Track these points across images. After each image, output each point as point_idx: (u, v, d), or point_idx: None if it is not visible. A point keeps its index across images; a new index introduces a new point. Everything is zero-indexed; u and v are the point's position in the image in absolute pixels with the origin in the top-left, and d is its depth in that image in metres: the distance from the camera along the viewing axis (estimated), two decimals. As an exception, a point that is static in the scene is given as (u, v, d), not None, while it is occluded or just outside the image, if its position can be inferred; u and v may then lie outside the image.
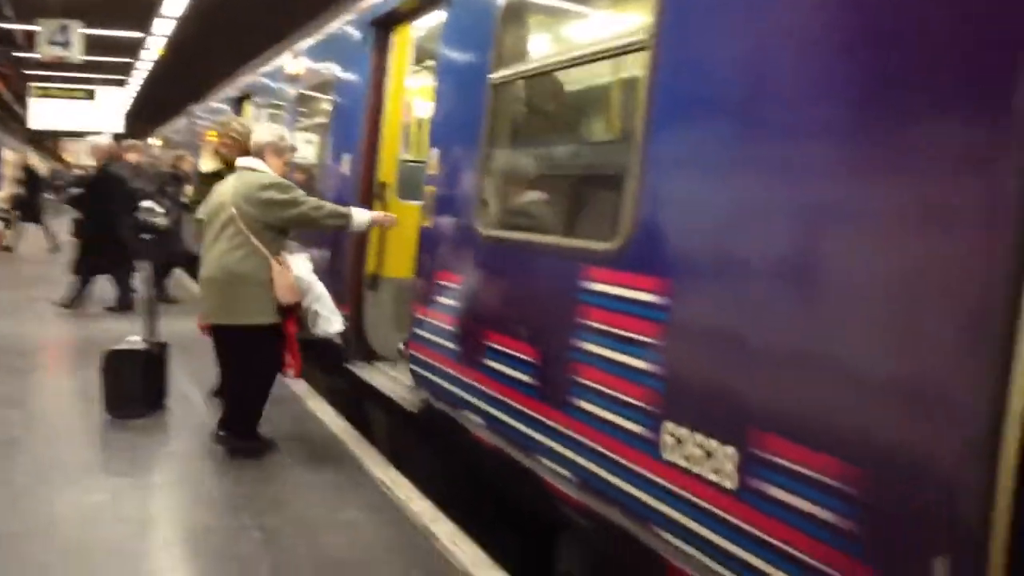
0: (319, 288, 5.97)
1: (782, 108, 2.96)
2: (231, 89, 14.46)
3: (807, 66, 2.88)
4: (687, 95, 3.42)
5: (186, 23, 23.90)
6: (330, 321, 5.99)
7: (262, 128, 6.19)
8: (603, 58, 4.23)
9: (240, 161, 5.96)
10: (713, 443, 3.07)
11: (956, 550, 2.24)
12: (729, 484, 3.00)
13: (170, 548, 4.54)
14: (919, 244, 2.43)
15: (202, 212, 5.98)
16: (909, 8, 2.54)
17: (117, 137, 16.27)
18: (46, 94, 31.58)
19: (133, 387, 6.68)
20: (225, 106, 14.46)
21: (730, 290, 3.09)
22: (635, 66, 3.85)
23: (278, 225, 5.71)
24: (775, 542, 2.81)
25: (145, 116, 41.59)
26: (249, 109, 12.81)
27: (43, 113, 31.59)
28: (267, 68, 11.77)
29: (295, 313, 5.86)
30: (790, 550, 2.75)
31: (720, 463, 3.04)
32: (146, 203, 8.02)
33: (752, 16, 3.15)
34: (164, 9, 22.26)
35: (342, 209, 5.89)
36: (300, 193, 5.75)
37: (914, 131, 2.48)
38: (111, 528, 4.68)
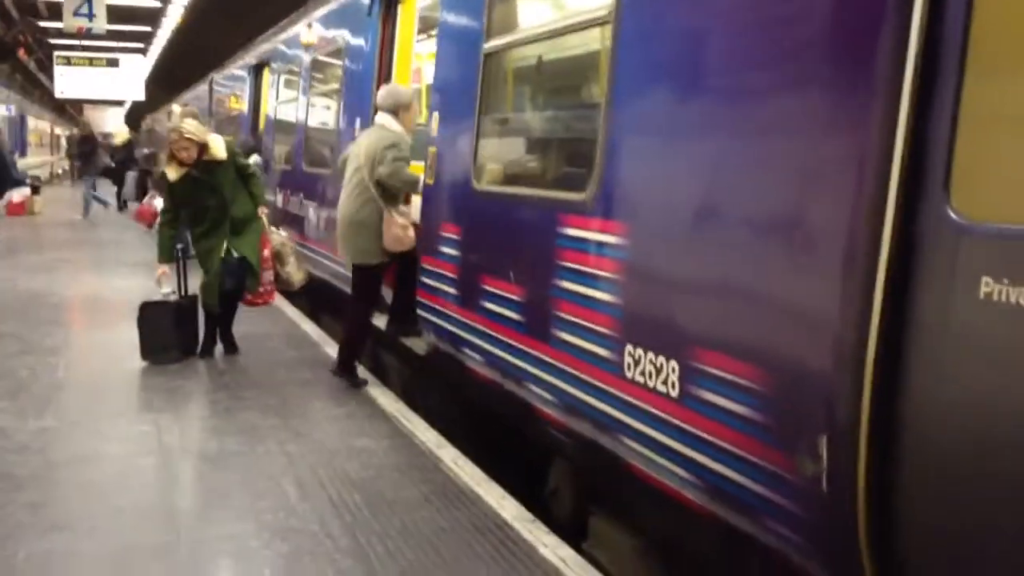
0: None
1: (716, 77, 3.50)
2: (250, 57, 14.99)
3: (733, 41, 3.41)
4: (641, 65, 3.95)
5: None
6: None
7: (392, 88, 6.83)
8: (573, 31, 4.76)
9: (377, 118, 6.70)
10: (661, 360, 3.64)
11: (833, 431, 2.80)
12: (674, 393, 3.57)
13: (204, 466, 5.16)
14: (811, 194, 2.97)
15: (341, 158, 6.96)
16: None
17: (136, 105, 17.73)
18: (70, 63, 32.16)
19: (167, 336, 7.31)
20: (244, 73, 15.01)
21: (672, 232, 3.65)
22: (601, 39, 4.38)
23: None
24: (709, 437, 3.38)
25: (166, 84, 42.18)
26: (267, 75, 13.36)
27: (69, 82, 32.19)
28: (284, 36, 12.30)
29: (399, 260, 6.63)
30: (720, 442, 3.32)
31: (667, 376, 3.60)
32: None
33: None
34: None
35: (416, 177, 6.54)
36: (406, 157, 6.45)
37: (812, 96, 3.02)
38: (155, 453, 5.32)
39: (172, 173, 7.23)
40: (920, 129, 2.58)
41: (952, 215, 2.48)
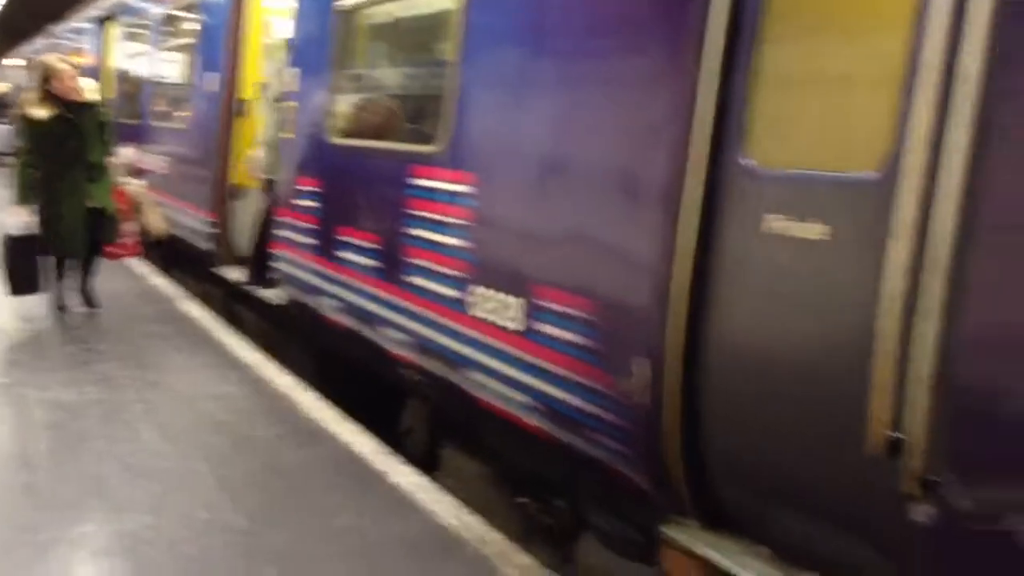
0: None
1: (553, 39, 3.84)
2: (94, 9, 14.52)
3: (568, 7, 3.76)
4: (488, 26, 4.26)
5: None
6: None
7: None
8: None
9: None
10: (507, 297, 3.98)
11: (651, 353, 3.21)
12: (519, 327, 3.92)
13: (63, 414, 5.22)
14: (630, 145, 3.36)
15: None
16: None
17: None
18: None
19: (33, 269, 7.21)
20: (90, 25, 14.53)
21: (516, 181, 3.99)
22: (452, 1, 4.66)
23: None
24: (549, 366, 3.75)
25: (5, 37, 39.84)
26: (113, 30, 13.01)
27: None
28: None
29: None
30: (559, 370, 3.69)
31: (512, 312, 3.95)
32: None
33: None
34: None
35: None
36: None
37: (633, 58, 3.40)
38: (11, 404, 5.34)
39: (43, 112, 7.13)
40: (724, 88, 2.98)
41: (744, 162, 2.90)
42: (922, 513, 2.43)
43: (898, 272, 2.44)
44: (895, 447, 2.44)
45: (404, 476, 4.50)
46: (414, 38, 5.60)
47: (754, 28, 2.91)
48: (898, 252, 2.44)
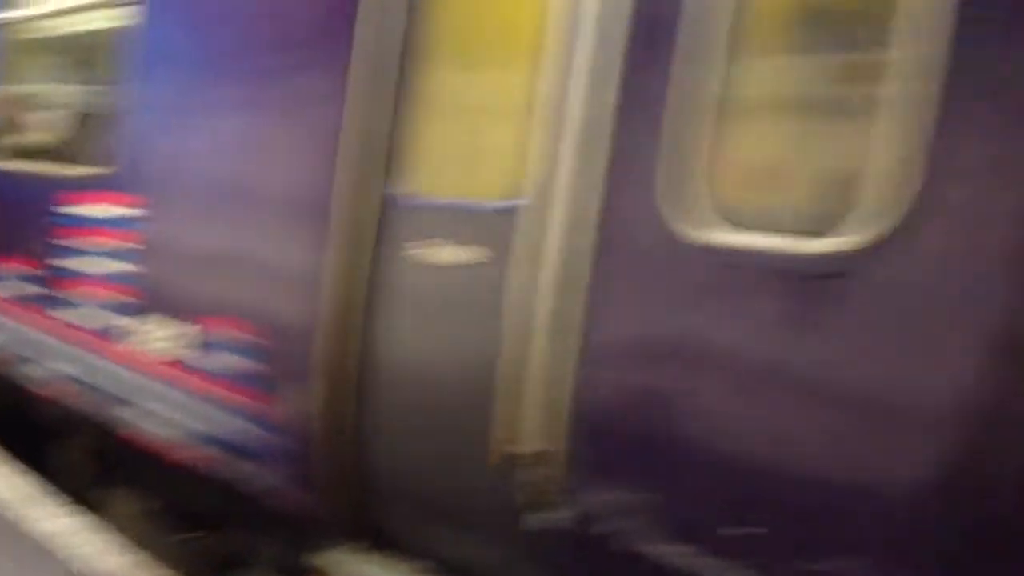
0: None
1: (215, 66, 3.86)
2: None
3: (227, 33, 3.81)
4: (164, 49, 4.19)
5: None
6: None
7: None
8: (99, 8, 4.84)
9: None
10: (180, 327, 3.88)
11: (306, 379, 3.26)
12: (190, 355, 3.83)
13: None
14: (291, 174, 3.43)
15: None
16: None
17: None
18: None
19: None
20: None
21: (190, 205, 3.92)
22: (129, 19, 4.53)
23: None
24: (217, 395, 3.69)
25: None
26: None
27: None
28: None
29: None
30: (226, 398, 3.64)
31: (184, 341, 3.85)
32: None
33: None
34: None
35: None
36: None
37: (289, 90, 3.49)
38: None
39: None
40: (372, 117, 3.13)
41: (390, 190, 3.07)
42: (538, 521, 2.63)
43: (516, 294, 2.66)
44: (514, 460, 2.64)
45: (48, 520, 4.22)
46: (91, 56, 5.37)
47: (401, 57, 3.09)
48: (519, 276, 2.67)
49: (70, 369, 4.54)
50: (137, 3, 4.30)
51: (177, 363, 3.86)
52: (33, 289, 4.82)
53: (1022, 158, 1.80)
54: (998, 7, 1.86)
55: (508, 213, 2.74)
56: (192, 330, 3.80)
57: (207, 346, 3.74)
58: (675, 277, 2.35)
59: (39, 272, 4.79)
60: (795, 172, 2.30)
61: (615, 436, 2.51)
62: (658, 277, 2.39)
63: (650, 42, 2.43)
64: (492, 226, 2.79)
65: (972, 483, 1.84)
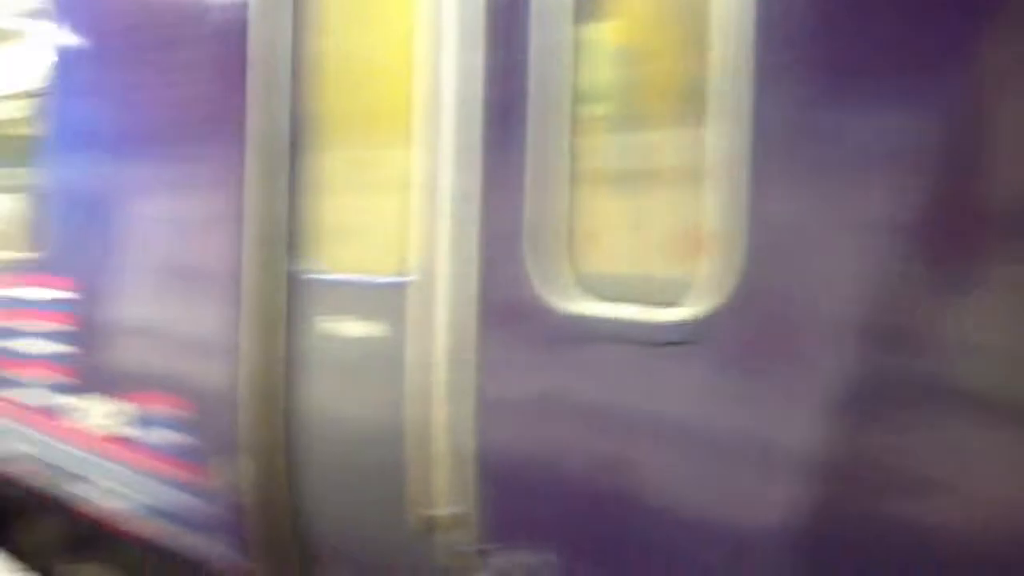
0: None
1: (129, 148, 3.96)
2: None
3: (138, 115, 3.92)
4: (74, 135, 4.30)
5: None
6: None
7: None
8: (14, 98, 4.95)
9: None
10: (117, 404, 3.98)
11: (232, 450, 3.37)
12: (122, 432, 3.93)
13: None
14: (203, 253, 3.55)
15: None
16: None
17: None
18: None
19: None
20: None
21: (119, 285, 4.03)
22: (40, 106, 4.63)
23: None
24: (153, 467, 3.79)
25: None
26: None
27: None
28: None
29: None
30: (163, 470, 3.74)
31: (122, 418, 3.95)
32: None
33: (111, 78, 4.12)
34: None
35: None
36: None
37: (198, 173, 3.59)
38: None
39: None
40: (275, 200, 3.25)
41: (297, 268, 3.18)
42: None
43: (420, 362, 2.78)
44: (431, 523, 2.75)
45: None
46: (11, 142, 5.44)
47: (292, 140, 3.21)
48: (416, 347, 2.78)
49: (26, 447, 4.63)
50: (47, 94, 4.41)
51: (118, 439, 3.96)
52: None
53: (832, 227, 1.91)
54: (800, 84, 1.97)
55: (400, 288, 2.86)
56: (128, 407, 3.90)
57: (143, 422, 3.84)
58: (547, 343, 2.47)
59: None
60: (643, 243, 2.42)
61: (517, 495, 2.62)
62: (533, 344, 2.51)
63: (504, 121, 2.55)
64: (387, 300, 2.90)
65: (807, 529, 1.96)
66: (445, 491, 2.72)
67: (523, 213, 2.49)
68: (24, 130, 5.21)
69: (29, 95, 4.76)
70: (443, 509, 2.74)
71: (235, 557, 3.57)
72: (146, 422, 3.83)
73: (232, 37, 3.35)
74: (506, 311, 2.58)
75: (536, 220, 2.47)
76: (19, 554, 5.21)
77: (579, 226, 2.44)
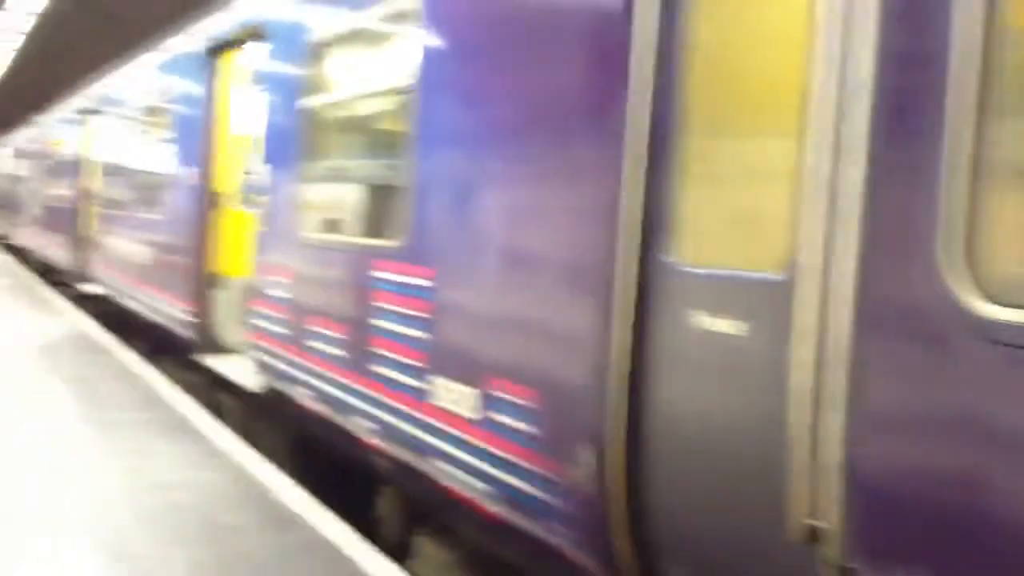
0: None
1: (497, 145, 4.07)
2: (78, 100, 14.87)
3: (507, 110, 4.01)
4: (439, 130, 4.49)
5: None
6: None
7: None
8: (382, 96, 5.27)
9: None
10: (463, 387, 4.15)
11: (593, 439, 3.37)
12: (475, 416, 4.08)
13: (46, 493, 5.31)
14: (569, 243, 3.55)
15: None
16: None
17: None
18: None
19: None
20: (74, 116, 14.86)
21: (471, 274, 4.18)
22: (407, 102, 4.90)
23: None
24: (499, 452, 3.90)
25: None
26: (95, 122, 13.32)
27: None
28: (110, 84, 12.35)
29: None
30: (507, 456, 3.84)
31: (468, 402, 4.11)
32: None
33: (480, 74, 4.26)
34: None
35: None
36: None
37: (568, 166, 3.61)
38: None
39: None
40: (650, 191, 3.20)
41: (669, 260, 3.10)
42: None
43: (804, 365, 2.62)
44: (813, 534, 2.59)
45: (374, 563, 4.61)
46: (382, 136, 5.83)
47: (672, 127, 3.14)
48: (803, 347, 2.62)
49: (388, 420, 4.94)
50: (415, 90, 4.65)
51: (468, 421, 4.11)
52: (339, 348, 5.30)
53: None
54: None
55: (782, 285, 2.72)
56: (477, 391, 4.04)
57: (488, 406, 3.96)
58: (960, 351, 2.24)
59: (343, 333, 5.26)
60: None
61: (893, 513, 2.43)
62: (945, 353, 2.29)
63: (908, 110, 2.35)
64: (767, 297, 2.77)
65: None
66: (820, 502, 2.56)
67: (938, 208, 2.28)
68: (385, 125, 5.58)
69: (396, 92, 5.06)
70: (819, 521, 2.59)
71: (573, 549, 3.59)
72: (495, 408, 3.94)
73: (614, 27, 3.35)
74: (909, 313, 2.38)
75: (956, 216, 2.25)
76: (372, 524, 5.60)
77: (1003, 223, 2.19)
